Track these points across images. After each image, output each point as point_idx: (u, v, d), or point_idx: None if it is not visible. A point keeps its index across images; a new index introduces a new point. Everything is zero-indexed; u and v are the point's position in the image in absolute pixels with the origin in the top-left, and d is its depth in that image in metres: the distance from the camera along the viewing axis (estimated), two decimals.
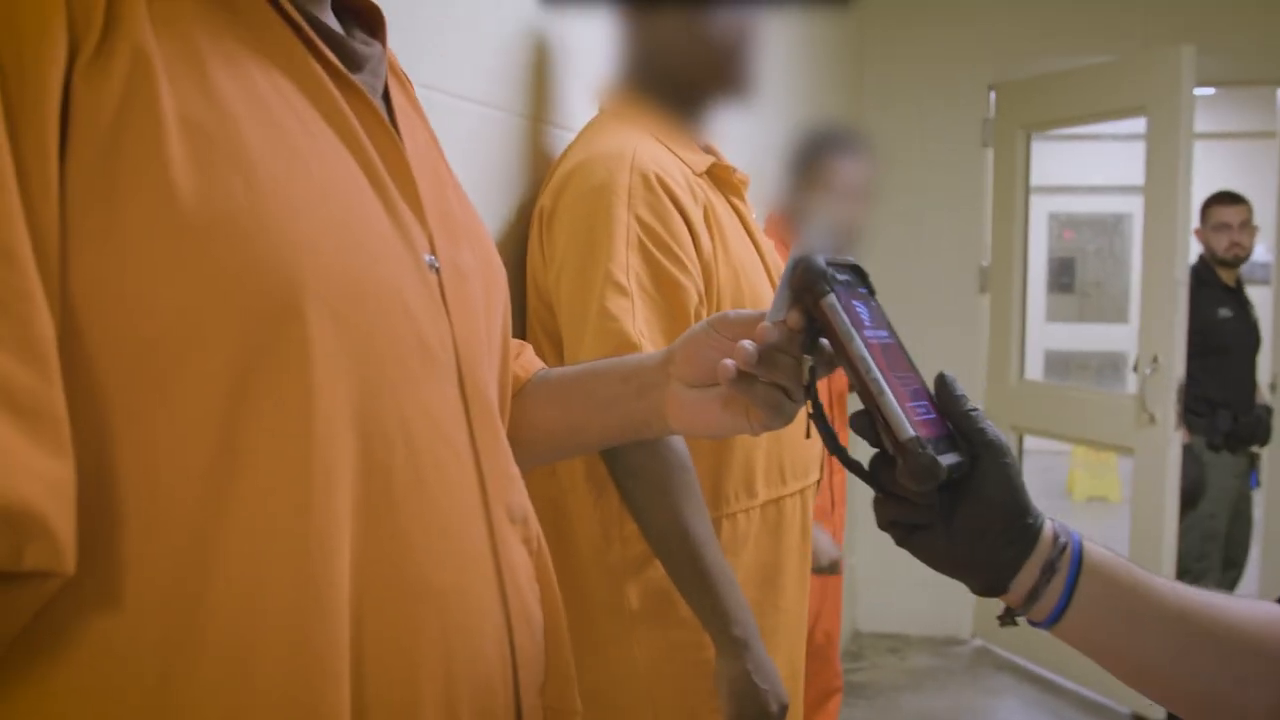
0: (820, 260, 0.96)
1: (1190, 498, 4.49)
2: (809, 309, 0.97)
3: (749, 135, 2.98)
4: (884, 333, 0.99)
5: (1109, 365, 9.72)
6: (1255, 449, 4.91)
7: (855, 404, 1.00)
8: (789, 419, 1.02)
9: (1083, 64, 4.78)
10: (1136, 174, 4.49)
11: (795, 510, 1.95)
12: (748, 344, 0.97)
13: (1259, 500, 4.99)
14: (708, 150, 1.98)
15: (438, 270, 0.97)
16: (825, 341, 0.98)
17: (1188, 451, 4.48)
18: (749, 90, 1.92)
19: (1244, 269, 4.87)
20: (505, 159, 1.90)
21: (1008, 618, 1.00)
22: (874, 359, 0.94)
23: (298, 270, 0.83)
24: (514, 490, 1.03)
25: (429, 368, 0.93)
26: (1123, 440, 4.46)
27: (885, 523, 0.97)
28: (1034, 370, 9.10)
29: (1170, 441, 4.23)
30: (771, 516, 1.91)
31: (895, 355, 0.98)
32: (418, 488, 0.90)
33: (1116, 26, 5.00)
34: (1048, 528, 0.97)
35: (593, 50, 2.03)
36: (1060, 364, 10.14)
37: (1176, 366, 4.21)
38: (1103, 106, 4.63)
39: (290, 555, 0.82)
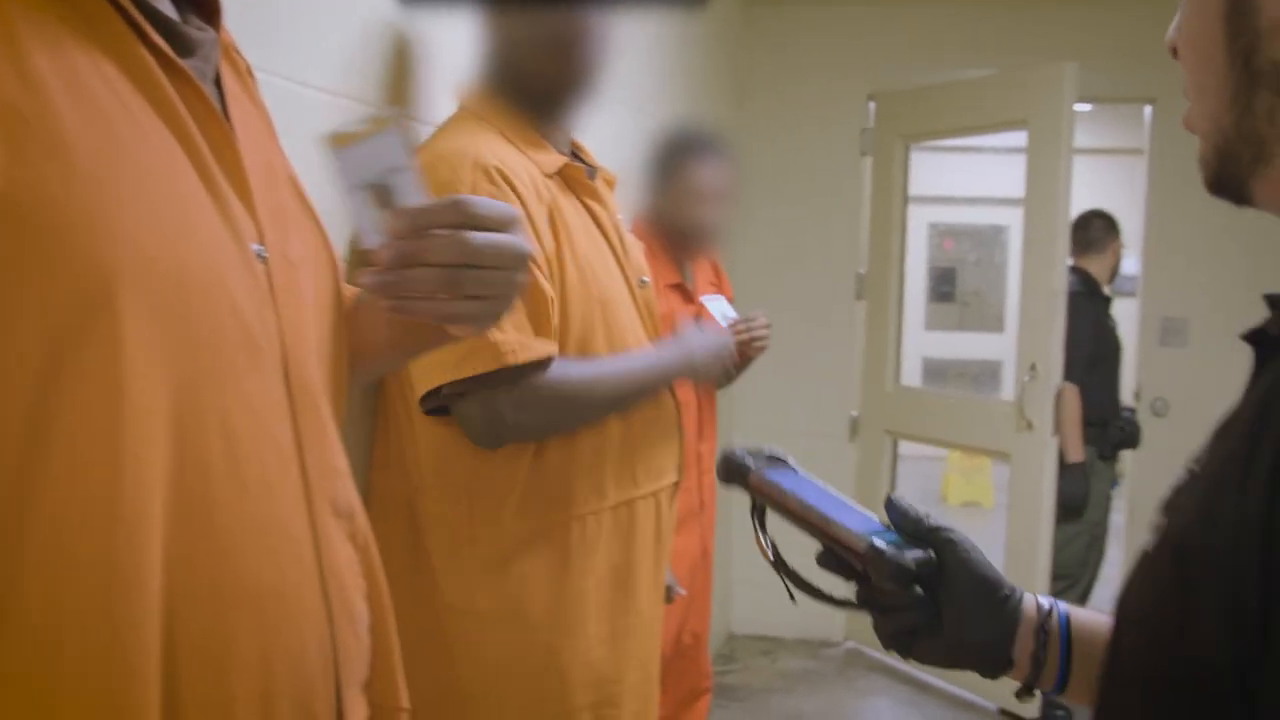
0: (738, 451, 1.12)
1: (1079, 508, 4.60)
2: (746, 488, 1.10)
3: (624, 139, 2.99)
4: (819, 486, 1.08)
5: (986, 373, 9.91)
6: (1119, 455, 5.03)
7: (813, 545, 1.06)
8: (474, 318, 1.01)
9: (963, 76, 4.87)
10: (1015, 186, 4.58)
11: (648, 512, 1.95)
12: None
13: (1120, 505, 5.11)
14: (574, 151, 1.98)
15: (266, 261, 0.95)
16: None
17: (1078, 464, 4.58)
18: (594, 88, 1.93)
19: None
20: None
21: (1025, 692, 1.01)
22: (812, 501, 1.03)
23: (113, 261, 0.81)
24: (339, 485, 1.01)
25: (253, 360, 0.92)
26: (1000, 446, 4.54)
27: (888, 639, 1.00)
28: (912, 377, 9.24)
29: (1046, 447, 4.32)
30: (623, 518, 1.91)
31: (834, 501, 1.06)
32: (236, 483, 0.89)
33: (995, 41, 5.09)
34: (1028, 598, 1.00)
35: (456, 46, 2.02)
36: (939, 371, 10.30)
37: (1054, 374, 4.30)
38: (984, 119, 4.72)
39: (97, 552, 0.80)
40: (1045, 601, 1.00)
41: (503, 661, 1.82)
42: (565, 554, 1.85)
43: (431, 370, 1.73)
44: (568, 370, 1.79)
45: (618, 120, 3.14)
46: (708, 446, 3.08)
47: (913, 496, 1.04)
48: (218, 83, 1.01)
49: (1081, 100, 4.40)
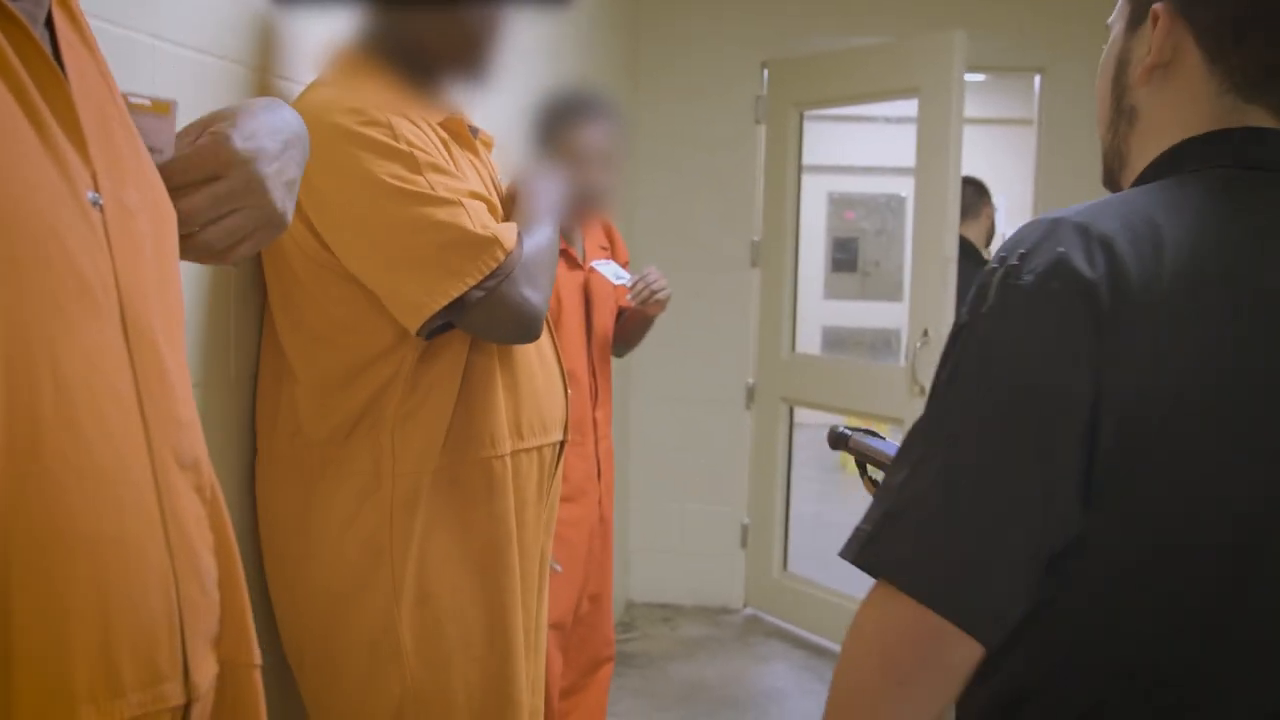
0: (841, 426, 1.71)
1: None
2: (849, 450, 1.66)
3: (510, 112, 2.96)
4: (896, 445, 1.30)
5: (882, 341, 10.01)
6: None
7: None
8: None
9: (857, 44, 4.89)
10: (912, 157, 4.62)
11: (531, 468, 1.95)
12: None
13: None
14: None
15: (101, 208, 0.92)
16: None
17: None
18: (488, 78, 1.93)
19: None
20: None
21: None
22: (893, 453, 1.23)
23: None
24: (184, 436, 0.98)
25: (88, 308, 0.89)
26: (894, 411, 4.58)
27: None
28: (811, 345, 9.31)
29: None
30: (502, 470, 1.90)
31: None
32: (71, 432, 0.86)
33: (890, 9, 5.12)
34: None
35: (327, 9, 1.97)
36: (840, 340, 10.39)
37: (945, 339, 4.31)
38: (876, 87, 4.74)
39: None
40: None
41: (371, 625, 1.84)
42: (470, 496, 1.88)
43: (433, 288, 1.75)
44: (525, 243, 1.85)
45: (508, 90, 3.11)
46: (603, 413, 3.08)
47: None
48: (51, 27, 0.97)
49: (972, 70, 4.45)
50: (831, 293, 10.67)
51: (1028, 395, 1.03)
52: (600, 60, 4.52)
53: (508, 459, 1.90)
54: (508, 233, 1.81)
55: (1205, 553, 1.03)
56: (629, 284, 3.03)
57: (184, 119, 1.69)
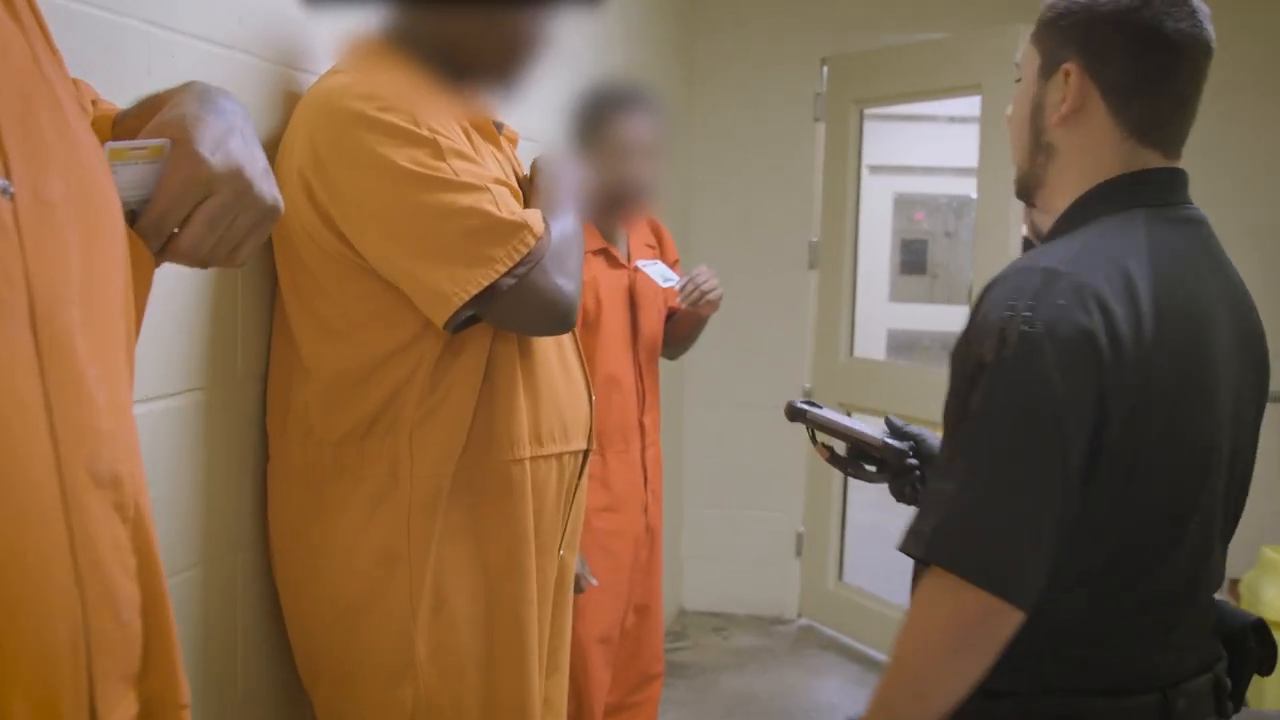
0: (798, 401, 1.91)
1: None
2: (805, 422, 1.88)
3: (550, 105, 2.87)
4: (849, 418, 1.91)
5: (947, 345, 9.82)
6: None
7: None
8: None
9: (918, 40, 4.75)
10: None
11: (550, 475, 1.86)
12: None
13: None
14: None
15: (12, 198, 0.82)
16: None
17: None
18: (521, 85, 1.86)
19: None
20: (252, 102, 1.74)
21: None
22: (846, 424, 1.87)
23: None
24: (103, 449, 0.88)
25: None
26: None
27: (898, 493, 1.80)
28: (876, 349, 9.15)
29: None
30: (521, 476, 1.82)
31: (859, 423, 1.87)
32: None
33: (952, 3, 4.97)
34: None
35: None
36: (907, 344, 10.23)
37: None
38: (937, 83, 4.60)
39: None
40: None
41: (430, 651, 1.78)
42: (490, 500, 1.80)
43: (462, 277, 1.66)
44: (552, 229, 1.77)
45: (552, 87, 3.01)
46: (650, 418, 2.96)
47: None
48: None
49: None
50: (898, 295, 10.50)
51: (1051, 419, 1.35)
52: (653, 56, 4.41)
53: (526, 464, 1.81)
54: (536, 218, 1.72)
55: (1180, 472, 1.44)
56: (677, 286, 2.90)
57: None
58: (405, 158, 1.62)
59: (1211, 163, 3.28)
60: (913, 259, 10.90)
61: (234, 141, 1.06)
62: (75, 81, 1.12)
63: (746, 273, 4.92)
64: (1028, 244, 4.69)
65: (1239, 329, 1.51)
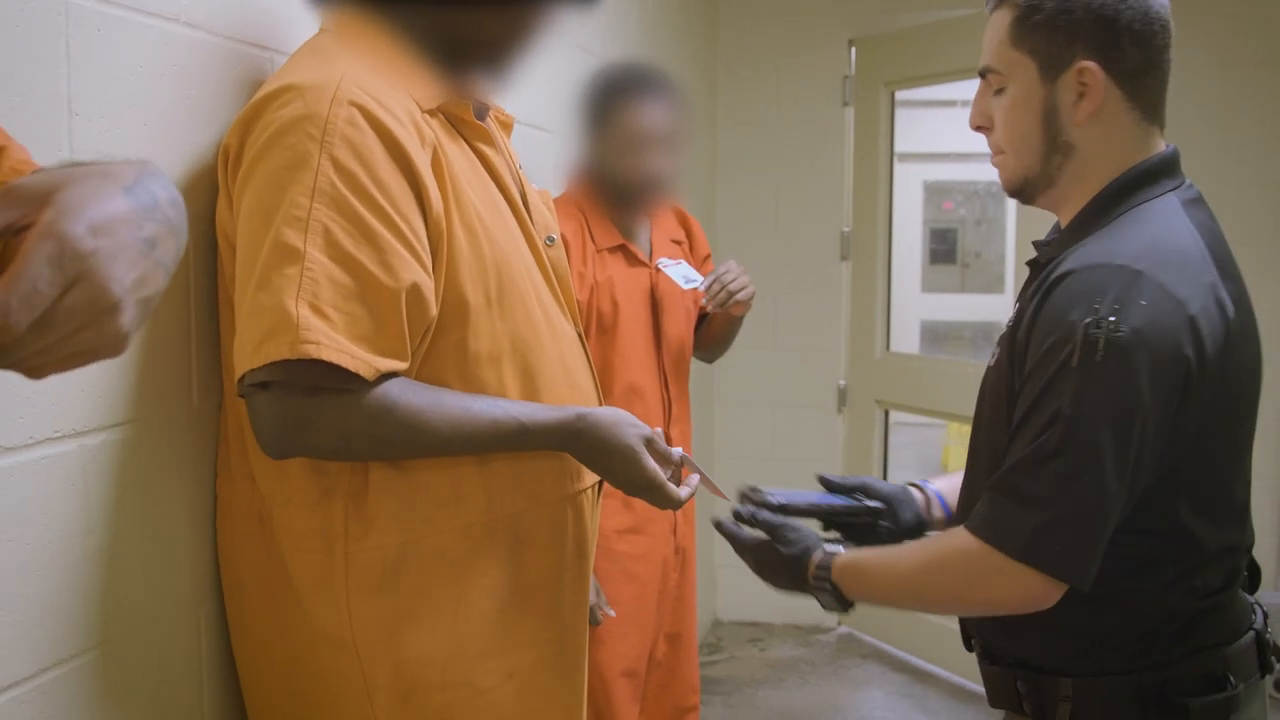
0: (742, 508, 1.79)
1: None
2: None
3: (560, 90, 2.65)
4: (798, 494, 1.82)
5: (983, 335, 9.59)
6: None
7: None
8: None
9: (947, 17, 4.50)
10: None
11: (562, 519, 1.63)
12: None
13: None
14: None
15: None
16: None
17: None
18: (512, 73, 1.63)
19: None
20: (201, 87, 1.52)
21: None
22: (815, 500, 1.82)
23: None
24: None
25: None
26: None
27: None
28: (908, 342, 8.91)
29: None
30: (526, 527, 1.59)
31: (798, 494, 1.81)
32: None
33: None
34: (919, 495, 1.84)
35: None
36: (937, 335, 9.99)
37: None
38: (971, 62, 4.32)
39: None
40: (929, 489, 1.86)
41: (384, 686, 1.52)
42: (460, 571, 1.53)
43: (241, 350, 1.38)
44: (404, 394, 1.43)
45: (562, 74, 2.79)
46: (678, 430, 2.69)
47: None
48: None
49: None
50: (929, 286, 10.25)
51: (1139, 424, 1.40)
52: (673, 42, 4.19)
53: (517, 519, 1.58)
54: (349, 352, 1.36)
55: (1239, 425, 1.55)
56: (702, 287, 2.64)
57: (149, 95, 1.40)
58: (299, 206, 1.36)
59: None
60: (943, 248, 10.66)
61: (127, 235, 0.78)
62: None
63: (776, 266, 4.69)
64: None
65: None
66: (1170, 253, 1.44)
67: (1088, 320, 1.38)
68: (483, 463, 1.53)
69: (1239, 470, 1.56)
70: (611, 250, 2.55)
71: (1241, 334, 1.48)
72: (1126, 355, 1.37)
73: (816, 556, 1.64)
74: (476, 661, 1.56)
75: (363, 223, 1.37)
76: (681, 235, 2.82)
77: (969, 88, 1.69)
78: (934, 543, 1.59)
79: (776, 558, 1.69)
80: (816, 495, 1.81)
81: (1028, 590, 1.44)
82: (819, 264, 4.88)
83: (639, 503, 2.53)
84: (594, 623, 2.28)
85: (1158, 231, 1.47)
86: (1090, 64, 1.49)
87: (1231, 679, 1.49)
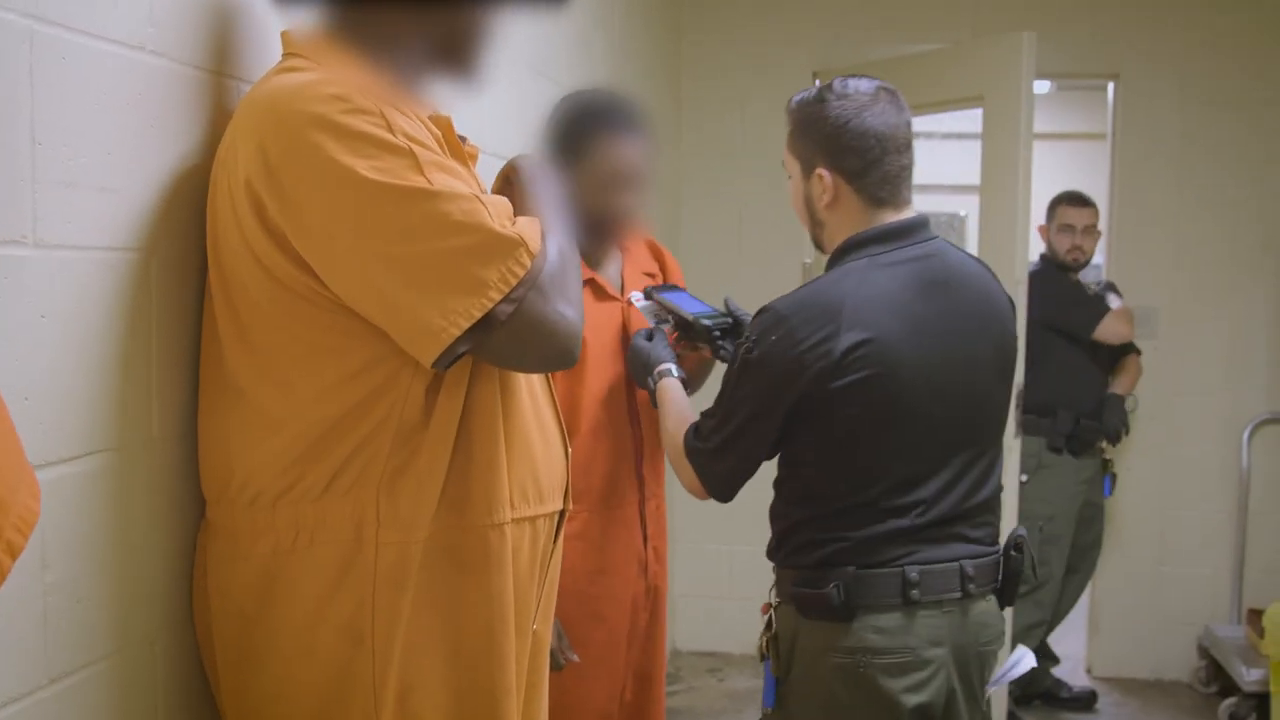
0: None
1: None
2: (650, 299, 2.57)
3: (526, 115, 2.64)
4: (690, 297, 2.59)
5: None
6: (1105, 455, 4.71)
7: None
8: None
9: (909, 52, 4.53)
10: (974, 173, 4.24)
11: (522, 542, 1.62)
12: None
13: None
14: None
15: None
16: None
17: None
18: (474, 77, 1.65)
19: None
20: (165, 115, 1.51)
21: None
22: (676, 302, 2.54)
23: None
24: None
25: None
26: None
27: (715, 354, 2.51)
28: None
29: (1010, 449, 3.97)
30: (479, 547, 1.58)
31: (693, 300, 2.56)
32: None
33: (949, 15, 4.79)
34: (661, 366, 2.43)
35: None
36: None
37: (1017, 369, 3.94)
38: (938, 95, 4.36)
39: None
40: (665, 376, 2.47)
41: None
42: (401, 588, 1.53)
43: (452, 307, 1.41)
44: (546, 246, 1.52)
45: (526, 99, 2.79)
46: (650, 469, 2.64)
47: None
48: None
49: (1041, 76, 4.08)
50: None
51: (756, 413, 2.10)
52: (637, 68, 4.20)
53: (507, 528, 1.57)
54: (531, 230, 1.48)
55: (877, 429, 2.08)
56: (671, 326, 2.61)
57: (111, 124, 1.38)
58: (377, 169, 1.37)
59: None
60: None
61: None
62: None
63: (738, 295, 4.67)
64: (1045, 268, 4.52)
65: (961, 327, 2.08)
66: (810, 305, 2.01)
67: (743, 341, 2.11)
68: (488, 467, 1.55)
69: (883, 460, 2.08)
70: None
71: (860, 362, 1.97)
72: (751, 371, 2.05)
73: (661, 367, 2.38)
74: (469, 668, 1.57)
75: (456, 174, 1.45)
76: (655, 268, 2.77)
77: (932, 121, 1.75)
78: (688, 420, 2.25)
79: (646, 352, 2.42)
80: (687, 302, 2.55)
81: (691, 483, 2.21)
82: (780, 294, 4.87)
83: (611, 543, 2.52)
84: (556, 667, 2.25)
85: (821, 286, 2.06)
86: (824, 171, 2.09)
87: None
